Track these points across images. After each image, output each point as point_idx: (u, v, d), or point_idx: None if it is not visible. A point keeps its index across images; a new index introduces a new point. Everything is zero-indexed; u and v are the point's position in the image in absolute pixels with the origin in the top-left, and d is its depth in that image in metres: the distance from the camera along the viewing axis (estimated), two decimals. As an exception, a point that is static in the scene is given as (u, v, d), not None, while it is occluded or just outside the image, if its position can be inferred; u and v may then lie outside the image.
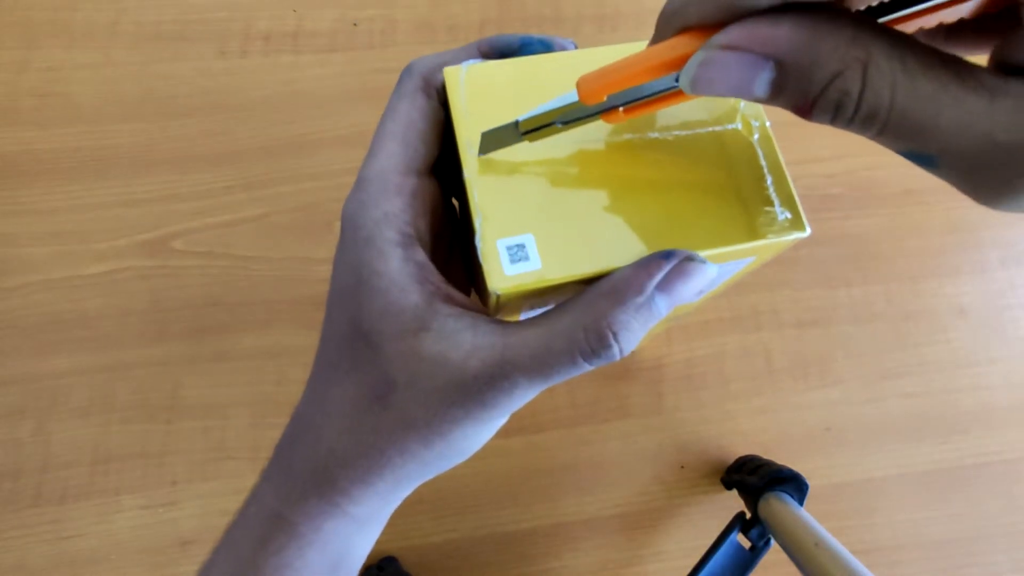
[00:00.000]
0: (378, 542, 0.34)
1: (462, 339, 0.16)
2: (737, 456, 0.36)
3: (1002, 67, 0.12)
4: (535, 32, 0.44)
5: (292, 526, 0.18)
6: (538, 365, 0.16)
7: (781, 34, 0.12)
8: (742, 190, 0.18)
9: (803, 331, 0.39)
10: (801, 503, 0.32)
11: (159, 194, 0.39)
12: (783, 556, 0.29)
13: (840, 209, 0.42)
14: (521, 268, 0.17)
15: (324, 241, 0.39)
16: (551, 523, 0.35)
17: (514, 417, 0.36)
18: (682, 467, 0.36)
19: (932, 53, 0.12)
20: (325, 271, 0.38)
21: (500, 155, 0.18)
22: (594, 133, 0.18)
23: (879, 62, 0.12)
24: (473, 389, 0.16)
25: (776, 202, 0.18)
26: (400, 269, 0.16)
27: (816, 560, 0.27)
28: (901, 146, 0.12)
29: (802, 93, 0.12)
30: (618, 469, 0.36)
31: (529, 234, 0.17)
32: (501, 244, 0.17)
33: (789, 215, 0.18)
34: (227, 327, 0.37)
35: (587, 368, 0.16)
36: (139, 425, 0.35)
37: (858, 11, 0.13)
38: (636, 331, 0.16)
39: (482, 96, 0.18)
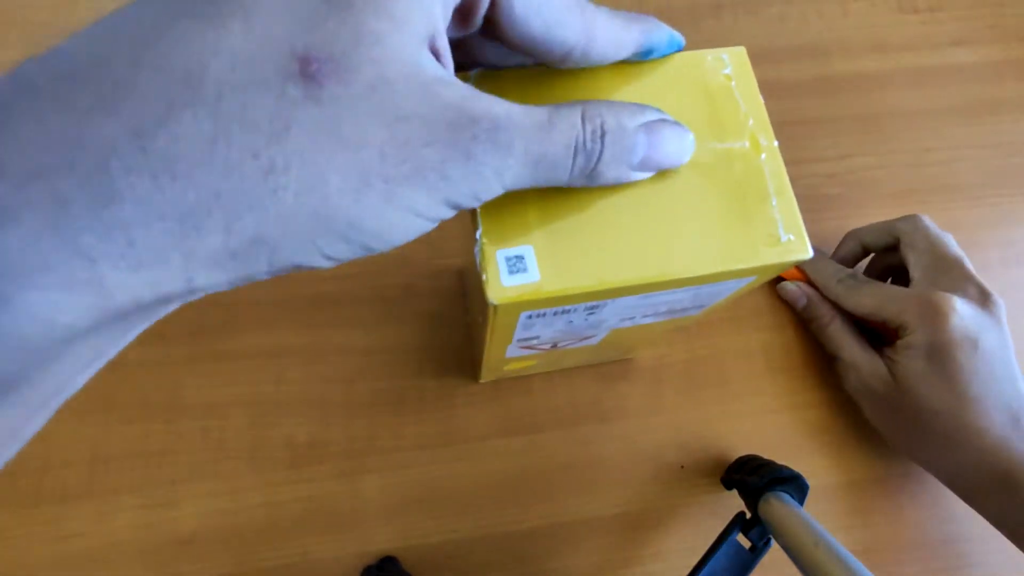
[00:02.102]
0: (378, 542, 0.34)
1: (459, 84, 0.13)
2: (737, 456, 0.36)
3: None
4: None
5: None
6: (538, 138, 0.14)
7: None
8: (746, 209, 0.18)
9: (803, 331, 0.39)
10: (801, 503, 0.32)
11: (159, 194, 0.39)
12: (783, 556, 0.29)
13: (840, 209, 0.42)
14: (519, 279, 0.17)
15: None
16: (551, 523, 0.35)
17: (514, 417, 0.36)
18: (682, 467, 0.36)
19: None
20: (325, 271, 0.38)
21: None
22: None
23: None
24: (467, 132, 0.13)
25: (780, 223, 0.18)
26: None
27: (816, 560, 0.27)
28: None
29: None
30: (618, 469, 0.36)
31: (529, 246, 0.17)
32: (500, 255, 0.17)
33: (792, 237, 0.18)
34: (227, 327, 0.37)
35: (568, 172, 0.15)
36: (139, 425, 0.35)
37: None
38: (617, 152, 0.16)
39: None
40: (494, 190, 0.14)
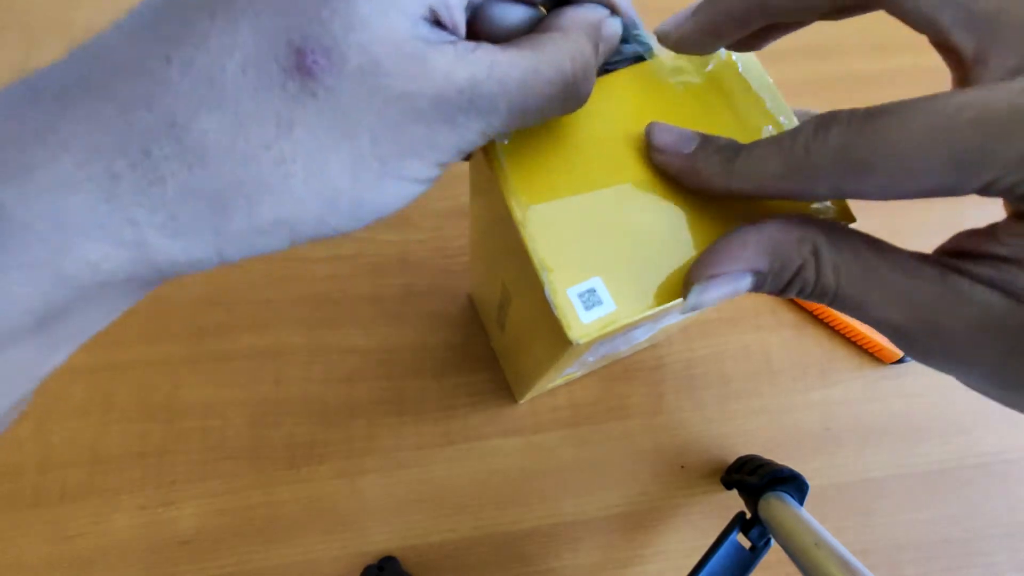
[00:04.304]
0: (378, 542, 0.34)
1: (447, 49, 0.14)
2: (737, 456, 0.36)
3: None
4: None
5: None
6: (523, 93, 0.14)
7: (750, 253, 0.16)
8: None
9: (803, 331, 0.39)
10: (801, 503, 0.32)
11: (159, 194, 0.39)
12: (783, 556, 0.29)
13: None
14: (597, 313, 0.17)
15: (323, 240, 0.39)
16: (551, 523, 0.35)
17: (514, 417, 0.36)
18: (682, 467, 0.36)
19: (858, 237, 0.16)
20: (325, 271, 0.38)
21: (549, 202, 0.18)
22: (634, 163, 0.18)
23: (823, 253, 0.15)
24: (452, 104, 0.14)
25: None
26: None
27: (816, 560, 0.27)
28: (850, 316, 0.16)
29: (776, 286, 0.16)
30: (618, 469, 0.36)
31: (597, 277, 0.17)
32: (572, 292, 0.17)
33: (830, 205, 0.19)
34: (226, 327, 0.37)
35: (558, 111, 0.16)
36: (138, 425, 0.35)
37: (799, 213, 0.17)
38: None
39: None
40: (479, 142, 0.15)
